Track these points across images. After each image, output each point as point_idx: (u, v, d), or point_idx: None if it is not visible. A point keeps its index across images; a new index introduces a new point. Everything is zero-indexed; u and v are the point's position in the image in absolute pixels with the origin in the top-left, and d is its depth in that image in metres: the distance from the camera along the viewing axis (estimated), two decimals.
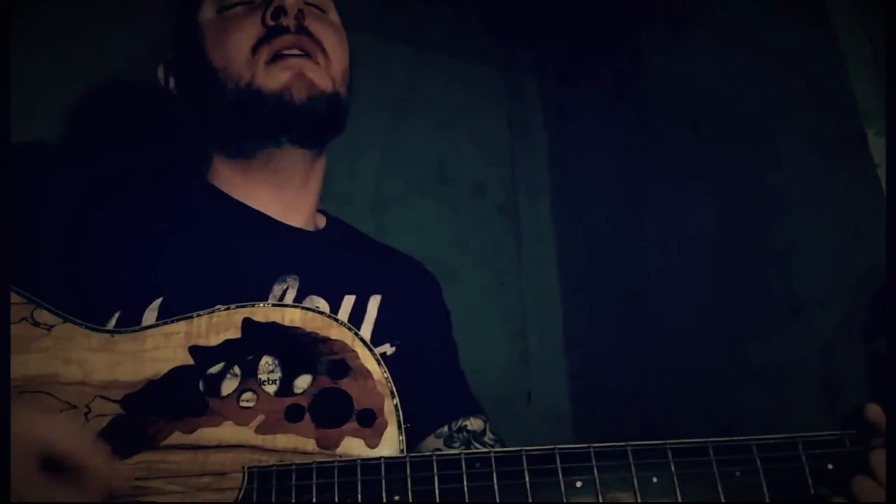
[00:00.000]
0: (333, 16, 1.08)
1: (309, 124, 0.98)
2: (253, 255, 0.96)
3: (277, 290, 0.94)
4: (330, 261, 1.02)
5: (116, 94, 1.54)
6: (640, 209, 1.83)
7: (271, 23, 0.97)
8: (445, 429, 0.98)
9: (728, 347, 1.52)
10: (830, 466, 0.73)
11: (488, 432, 1.01)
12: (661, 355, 1.71)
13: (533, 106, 2.20)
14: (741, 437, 0.74)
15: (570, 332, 2.03)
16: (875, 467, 0.70)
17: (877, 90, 1.27)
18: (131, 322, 0.85)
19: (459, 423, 0.99)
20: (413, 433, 0.79)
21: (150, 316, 0.86)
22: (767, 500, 0.71)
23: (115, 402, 0.76)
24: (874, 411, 0.74)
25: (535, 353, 1.97)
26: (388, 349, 0.97)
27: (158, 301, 0.87)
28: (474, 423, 1.00)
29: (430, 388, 0.98)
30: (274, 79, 0.95)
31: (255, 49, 0.97)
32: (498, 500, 0.70)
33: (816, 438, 0.74)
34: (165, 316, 0.85)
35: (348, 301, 0.98)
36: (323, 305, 0.95)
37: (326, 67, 0.99)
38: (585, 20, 2.04)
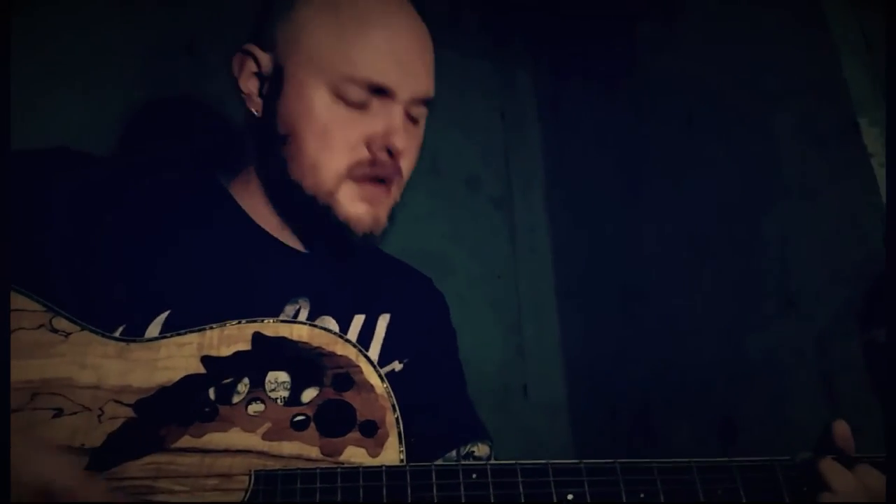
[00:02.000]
0: (422, 122, 1.05)
1: (360, 248, 1.01)
2: (264, 277, 0.99)
3: (289, 310, 0.97)
4: (341, 280, 1.05)
5: (155, 106, 1.56)
6: (634, 201, 1.85)
7: (377, 153, 0.97)
8: (454, 454, 1.00)
9: (724, 339, 1.54)
10: (805, 489, 0.77)
11: (492, 458, 1.02)
12: (658, 347, 1.72)
13: (527, 99, 2.22)
14: (723, 459, 0.79)
15: (565, 324, 2.03)
16: (824, 474, 0.75)
17: (870, 80, 1.29)
18: (135, 334, 0.87)
19: (467, 449, 1.01)
20: (421, 455, 0.82)
21: (153, 330, 0.89)
22: None
23: (127, 405, 0.80)
24: (840, 429, 0.79)
25: (531, 345, 1.98)
26: (396, 366, 1.00)
27: (164, 315, 0.90)
28: (481, 450, 1.02)
29: (440, 411, 1.00)
30: (351, 207, 0.96)
31: (351, 168, 0.96)
32: None
33: (791, 462, 0.79)
34: (169, 330, 0.87)
35: (358, 320, 1.01)
36: (333, 325, 0.98)
37: (397, 191, 1.01)
38: (579, 13, 2.06)
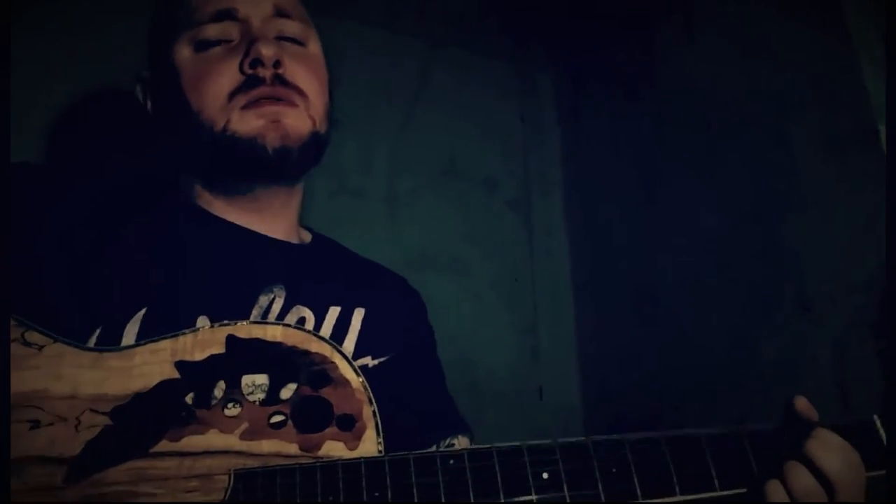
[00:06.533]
0: (314, 46, 1.09)
1: (282, 169, 1.02)
2: (238, 266, 1.00)
3: (264, 300, 0.98)
4: (315, 272, 1.06)
5: (103, 104, 1.55)
6: (652, 206, 1.86)
7: (249, 71, 0.99)
8: (434, 448, 1.01)
9: (739, 344, 1.55)
10: (772, 455, 0.80)
11: None
12: (672, 351, 1.74)
13: (546, 102, 2.24)
14: (690, 430, 0.81)
15: (581, 327, 2.05)
16: (813, 454, 0.77)
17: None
18: (114, 334, 0.89)
19: (447, 442, 1.03)
20: (402, 450, 0.83)
21: (132, 328, 0.90)
22: (717, 485, 0.77)
23: (103, 414, 0.80)
24: (802, 404, 0.82)
25: (546, 348, 2.00)
26: (369, 361, 1.01)
27: (142, 312, 0.91)
28: (461, 442, 1.05)
29: (419, 406, 1.02)
30: (247, 124, 0.98)
31: (231, 96, 0.99)
32: (471, 492, 0.75)
33: (757, 430, 0.82)
34: (149, 327, 0.89)
35: (333, 312, 1.02)
36: (308, 316, 1.00)
37: (306, 108, 1.02)
38: (599, 19, 2.08)
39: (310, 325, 1.00)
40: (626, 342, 1.90)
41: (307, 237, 1.15)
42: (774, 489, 0.75)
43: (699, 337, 1.67)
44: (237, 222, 1.05)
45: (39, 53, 1.48)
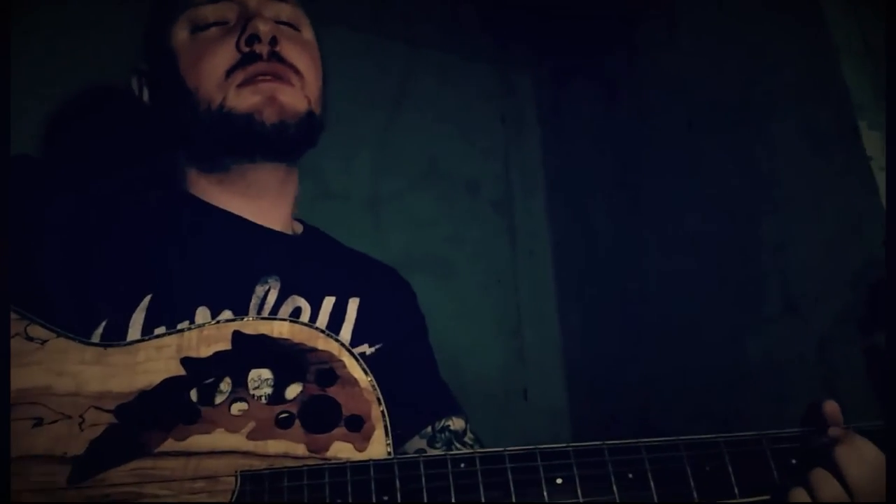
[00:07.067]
0: (307, 33, 1.10)
1: (280, 144, 1.01)
2: (235, 256, 0.99)
3: (260, 290, 0.98)
4: (309, 263, 1.06)
5: (99, 100, 1.54)
6: (635, 205, 1.85)
7: (245, 49, 1.00)
8: (429, 429, 1.02)
9: (725, 343, 1.54)
10: (794, 461, 0.78)
11: (468, 432, 1.05)
12: (658, 351, 1.73)
13: (527, 102, 2.23)
14: (710, 435, 0.79)
15: (566, 328, 2.04)
16: (840, 461, 0.74)
17: (870, 84, 1.30)
18: (120, 326, 0.88)
19: (442, 423, 1.03)
20: (398, 435, 0.82)
21: (139, 316, 0.90)
22: (737, 492, 0.75)
23: (108, 411, 0.78)
24: (831, 408, 0.79)
25: (531, 349, 1.99)
26: (366, 349, 1.01)
27: (147, 299, 0.91)
28: (456, 423, 1.04)
29: (413, 390, 1.01)
30: (244, 100, 0.98)
31: (228, 73, 1.00)
32: (483, 497, 0.73)
33: (779, 435, 0.79)
34: (154, 316, 0.89)
35: (328, 302, 1.01)
36: (304, 306, 0.99)
37: (301, 87, 1.02)
38: (580, 17, 2.07)
39: (305, 314, 0.99)
40: (612, 342, 1.89)
41: (299, 229, 1.15)
42: (799, 498, 0.72)
43: (684, 337, 1.66)
44: (234, 211, 1.04)
45: (34, 49, 1.47)
